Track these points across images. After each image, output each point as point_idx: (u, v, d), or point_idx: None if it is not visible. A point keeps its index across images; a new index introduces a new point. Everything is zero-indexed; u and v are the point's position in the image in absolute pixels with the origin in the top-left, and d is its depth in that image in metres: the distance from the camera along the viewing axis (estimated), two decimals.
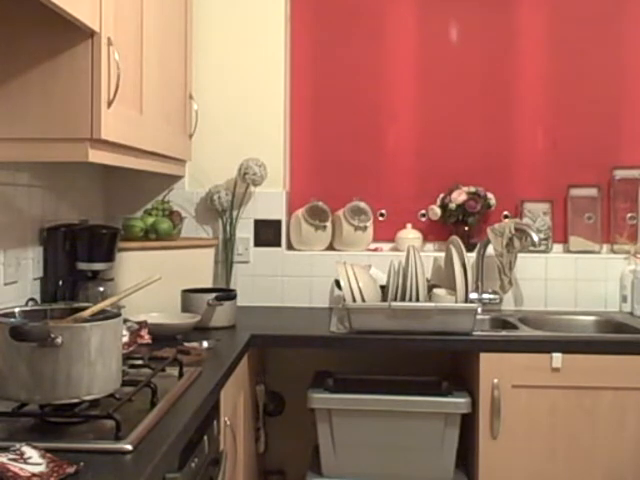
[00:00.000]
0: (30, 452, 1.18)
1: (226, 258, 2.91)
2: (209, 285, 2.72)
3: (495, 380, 2.36)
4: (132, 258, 2.44)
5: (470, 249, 2.88)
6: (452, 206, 2.96)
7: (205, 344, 2.12)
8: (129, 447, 1.24)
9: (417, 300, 2.41)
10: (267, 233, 2.98)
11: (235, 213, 2.91)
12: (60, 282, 2.22)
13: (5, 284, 2.00)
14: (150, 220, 2.63)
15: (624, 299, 2.91)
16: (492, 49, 3.06)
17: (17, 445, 1.19)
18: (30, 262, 2.15)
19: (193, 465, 1.52)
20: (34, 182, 2.17)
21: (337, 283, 2.83)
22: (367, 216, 2.98)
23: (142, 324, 2.07)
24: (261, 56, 2.97)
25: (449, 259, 2.54)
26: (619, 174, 3.02)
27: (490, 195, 3.00)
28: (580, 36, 3.03)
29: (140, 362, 1.74)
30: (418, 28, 3.07)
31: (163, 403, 1.50)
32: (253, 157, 2.86)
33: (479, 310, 2.54)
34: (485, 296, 2.89)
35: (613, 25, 3.03)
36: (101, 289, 2.25)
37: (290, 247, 3.03)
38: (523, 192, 3.07)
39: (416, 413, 2.41)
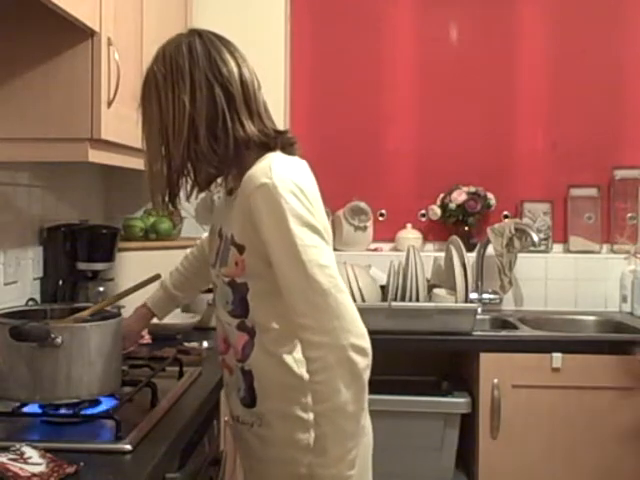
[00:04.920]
0: (30, 452, 1.17)
1: None
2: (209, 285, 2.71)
3: (495, 380, 2.36)
4: (132, 258, 2.43)
5: (470, 249, 2.88)
6: (452, 206, 2.96)
7: (205, 344, 2.12)
8: (129, 447, 1.24)
9: (417, 300, 2.41)
10: None
11: None
12: (60, 282, 2.21)
13: (5, 284, 1.99)
14: (150, 220, 2.63)
15: (624, 299, 2.92)
16: (492, 49, 3.06)
17: (17, 445, 1.19)
18: (30, 262, 2.15)
19: (193, 465, 1.52)
20: (34, 182, 2.17)
21: None
22: (367, 216, 2.98)
23: None
24: (261, 56, 2.92)
25: (449, 259, 2.54)
26: (619, 174, 3.02)
27: (490, 195, 3.00)
28: (580, 36, 3.03)
29: (140, 362, 1.74)
30: (418, 28, 3.07)
31: (163, 403, 1.50)
32: None
33: (479, 310, 2.54)
34: (485, 296, 2.89)
35: (613, 25, 3.03)
36: (101, 289, 2.25)
37: None
38: (523, 192, 3.06)
39: (416, 413, 2.42)
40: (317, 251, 1.25)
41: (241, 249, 1.34)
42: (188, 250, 1.80)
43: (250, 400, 1.39)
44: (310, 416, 1.33)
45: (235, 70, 1.37)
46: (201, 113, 1.32)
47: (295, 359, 1.36)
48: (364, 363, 1.23)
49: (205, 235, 1.80)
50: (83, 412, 1.39)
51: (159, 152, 1.36)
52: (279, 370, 1.36)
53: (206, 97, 1.33)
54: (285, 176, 1.29)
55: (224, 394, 1.56)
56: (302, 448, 1.34)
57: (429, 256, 2.77)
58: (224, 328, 1.44)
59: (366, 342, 1.24)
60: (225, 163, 1.36)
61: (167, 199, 1.38)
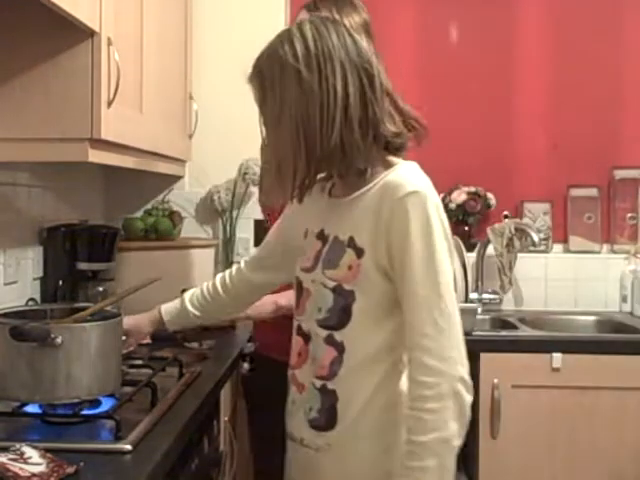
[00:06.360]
0: (30, 452, 1.17)
1: (226, 258, 2.90)
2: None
3: (495, 380, 2.36)
4: (132, 258, 2.43)
5: (470, 249, 2.88)
6: (452, 206, 2.96)
7: (205, 344, 2.11)
8: (129, 447, 1.24)
9: None
10: (267, 233, 2.97)
11: (235, 213, 2.90)
12: (60, 282, 2.21)
13: (5, 284, 1.99)
14: (150, 220, 2.63)
15: (624, 299, 2.92)
16: (492, 49, 3.06)
17: (17, 445, 1.19)
18: (30, 262, 2.15)
19: (193, 465, 1.52)
20: (34, 182, 2.17)
21: None
22: None
23: None
24: None
25: None
26: (619, 174, 3.02)
27: (490, 195, 3.00)
28: (580, 36, 3.03)
29: (140, 362, 1.74)
30: (418, 27, 3.07)
31: (163, 403, 1.49)
32: (253, 157, 2.86)
33: (479, 310, 2.54)
34: (485, 296, 2.89)
35: (613, 25, 3.03)
36: (101, 289, 2.25)
37: None
38: (523, 192, 3.06)
39: None
40: (450, 275, 1.22)
41: (360, 253, 1.26)
42: (219, 275, 1.68)
43: (325, 422, 1.29)
44: (397, 440, 1.25)
45: (376, 61, 1.30)
46: (354, 101, 1.24)
47: (392, 380, 1.28)
48: (469, 399, 1.21)
49: (244, 261, 1.66)
50: (83, 412, 1.39)
51: (297, 142, 1.25)
52: (371, 390, 1.27)
53: (357, 84, 1.25)
54: (432, 189, 1.28)
55: (288, 411, 1.41)
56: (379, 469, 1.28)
57: None
58: (309, 339, 1.33)
59: (470, 380, 1.22)
60: (372, 154, 1.28)
61: (299, 191, 1.28)
